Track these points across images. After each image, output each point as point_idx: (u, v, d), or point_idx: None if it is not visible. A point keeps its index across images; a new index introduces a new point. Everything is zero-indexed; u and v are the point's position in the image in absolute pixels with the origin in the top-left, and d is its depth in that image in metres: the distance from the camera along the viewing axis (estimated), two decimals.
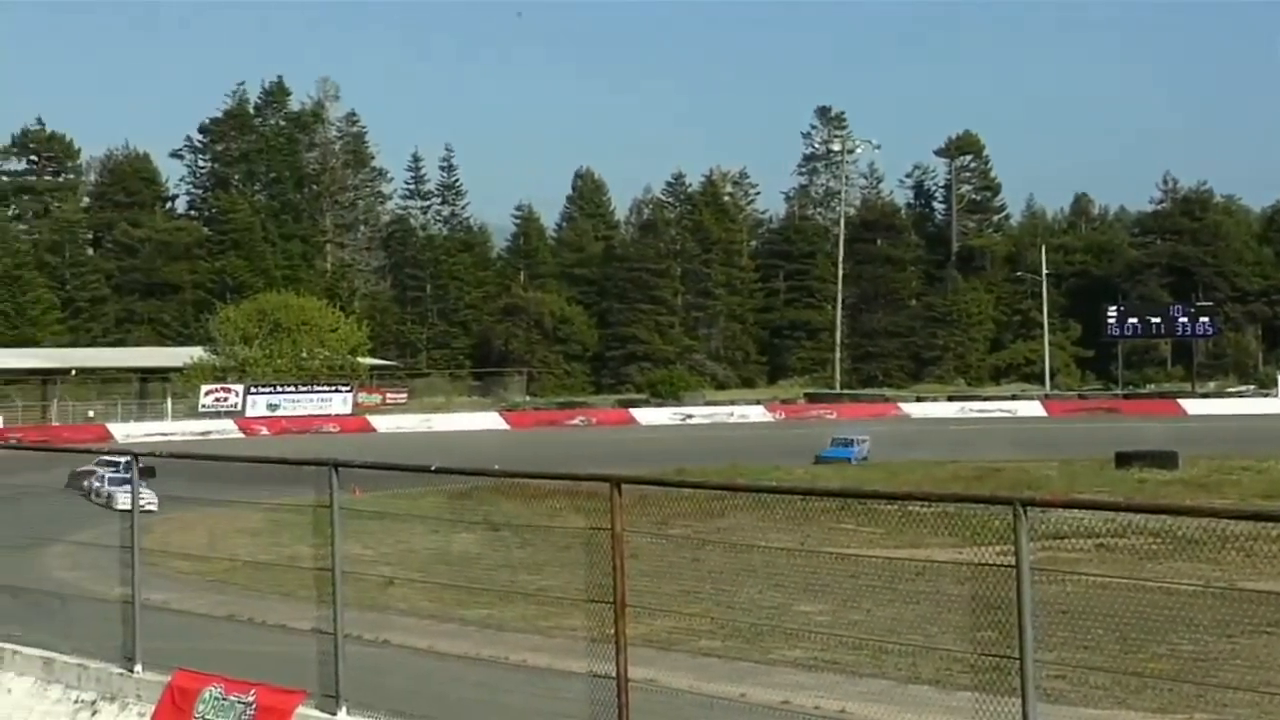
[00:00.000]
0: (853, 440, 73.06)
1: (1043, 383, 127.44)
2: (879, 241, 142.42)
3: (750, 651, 16.68)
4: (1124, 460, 62.54)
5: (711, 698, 14.43)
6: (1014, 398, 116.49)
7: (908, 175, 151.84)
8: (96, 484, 43.47)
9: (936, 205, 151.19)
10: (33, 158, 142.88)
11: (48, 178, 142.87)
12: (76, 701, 18.26)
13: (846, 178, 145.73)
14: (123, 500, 28.63)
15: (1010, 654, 10.71)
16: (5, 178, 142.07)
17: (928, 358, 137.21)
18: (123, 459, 32.27)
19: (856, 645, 15.07)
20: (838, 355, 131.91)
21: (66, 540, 24.65)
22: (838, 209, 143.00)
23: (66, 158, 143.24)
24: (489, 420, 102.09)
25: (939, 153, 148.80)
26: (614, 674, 13.50)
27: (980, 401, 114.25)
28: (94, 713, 17.94)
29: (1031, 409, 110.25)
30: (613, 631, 13.53)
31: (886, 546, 17.02)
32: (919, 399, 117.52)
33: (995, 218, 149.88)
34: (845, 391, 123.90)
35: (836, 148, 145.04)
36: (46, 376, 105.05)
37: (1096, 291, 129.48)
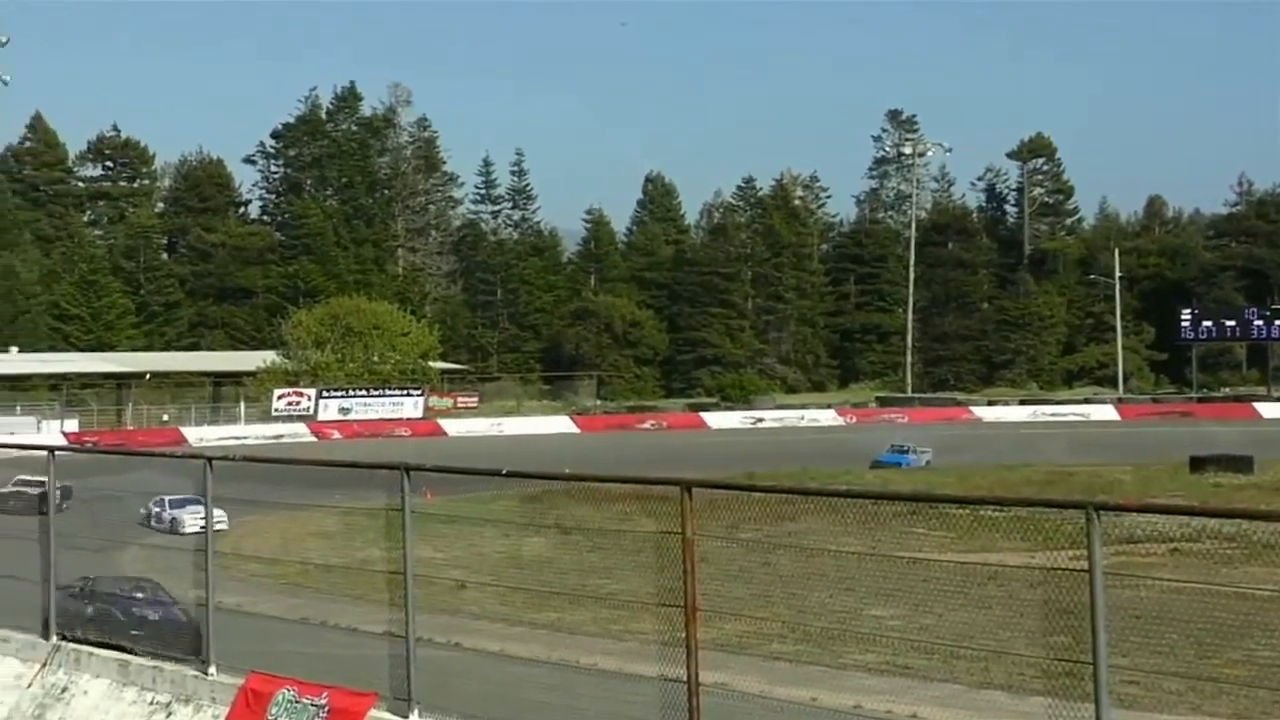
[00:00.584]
0: (909, 448, 72.53)
1: (1116, 386, 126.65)
2: (950, 245, 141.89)
3: (821, 656, 16.64)
4: (1198, 464, 62.05)
5: (782, 702, 14.42)
6: (1087, 401, 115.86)
7: (979, 178, 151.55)
8: (156, 509, 42.41)
9: (1008, 208, 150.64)
10: (108, 164, 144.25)
11: (123, 183, 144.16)
12: (152, 703, 18.39)
13: (918, 181, 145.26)
14: (190, 523, 28.71)
15: (1083, 659, 10.64)
16: (81, 184, 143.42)
17: (1000, 361, 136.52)
18: (41, 479, 32.68)
19: (928, 650, 15.02)
20: (909, 359, 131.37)
21: (141, 543, 24.86)
22: (909, 212, 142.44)
23: (141, 164, 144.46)
24: (559, 424, 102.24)
25: (1011, 155, 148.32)
26: (685, 678, 13.49)
27: (1053, 405, 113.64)
28: (169, 714, 18.07)
29: (1104, 413, 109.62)
30: (683, 635, 13.52)
31: (958, 551, 16.94)
32: (991, 402, 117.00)
33: (1068, 220, 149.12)
34: (916, 395, 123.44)
35: (908, 151, 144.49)
36: (121, 380, 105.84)
37: (1170, 294, 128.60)
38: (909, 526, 21.75)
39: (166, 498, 41.34)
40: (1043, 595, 12.53)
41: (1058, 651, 11.73)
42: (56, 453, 22.03)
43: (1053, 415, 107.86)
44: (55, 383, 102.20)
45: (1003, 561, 15.04)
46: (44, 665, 20.22)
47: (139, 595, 23.03)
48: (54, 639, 20.32)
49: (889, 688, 16.67)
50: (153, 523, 40.90)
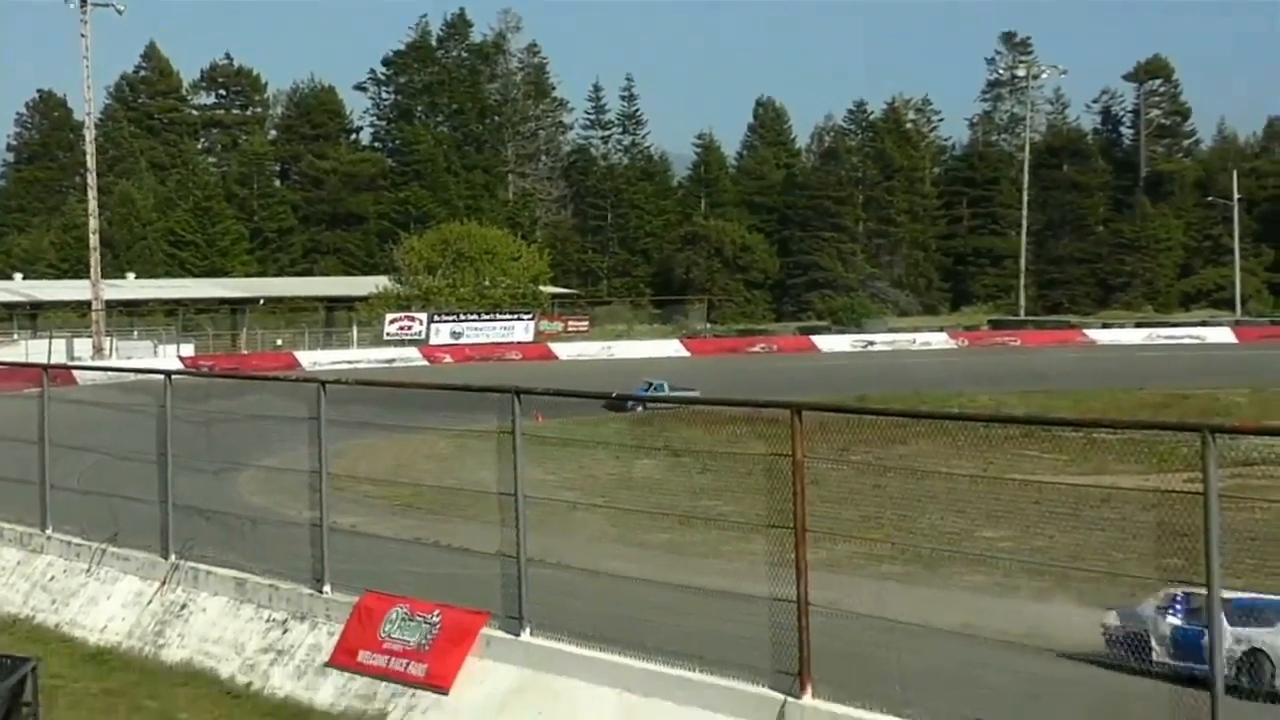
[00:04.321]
0: (663, 386, 62.09)
1: (1233, 309, 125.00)
2: (1065, 167, 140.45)
3: (931, 577, 16.64)
4: None
5: (892, 622, 14.41)
6: (1203, 324, 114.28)
7: (1094, 101, 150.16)
8: None
9: (1124, 130, 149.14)
10: (221, 92, 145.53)
11: (236, 111, 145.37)
12: (268, 620, 18.68)
13: (1032, 104, 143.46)
14: None
15: (1197, 581, 10.58)
16: (195, 112, 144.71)
17: (1115, 284, 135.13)
18: None
19: (1039, 572, 14.95)
20: (1022, 282, 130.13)
21: (257, 465, 25.13)
22: (1022, 135, 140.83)
23: (254, 91, 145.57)
24: (670, 347, 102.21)
25: (1127, 77, 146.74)
26: (794, 598, 13.53)
27: (1169, 328, 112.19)
28: (285, 631, 18.35)
29: (1221, 335, 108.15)
30: (793, 556, 13.56)
31: (1071, 473, 16.85)
32: (1105, 325, 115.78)
33: (1185, 142, 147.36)
34: (1030, 319, 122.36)
35: (1021, 73, 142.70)
36: (236, 306, 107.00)
37: None
38: (1021, 449, 21.63)
39: None
40: (1156, 518, 12.42)
41: (1171, 574, 11.68)
42: (173, 377, 22.35)
43: (1168, 338, 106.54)
44: (171, 308, 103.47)
45: (1116, 484, 14.97)
46: (163, 583, 20.56)
47: None
48: (173, 557, 20.67)
49: (1000, 609, 16.64)
50: None
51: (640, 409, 40.80)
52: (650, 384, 62.29)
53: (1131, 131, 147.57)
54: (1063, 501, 15.79)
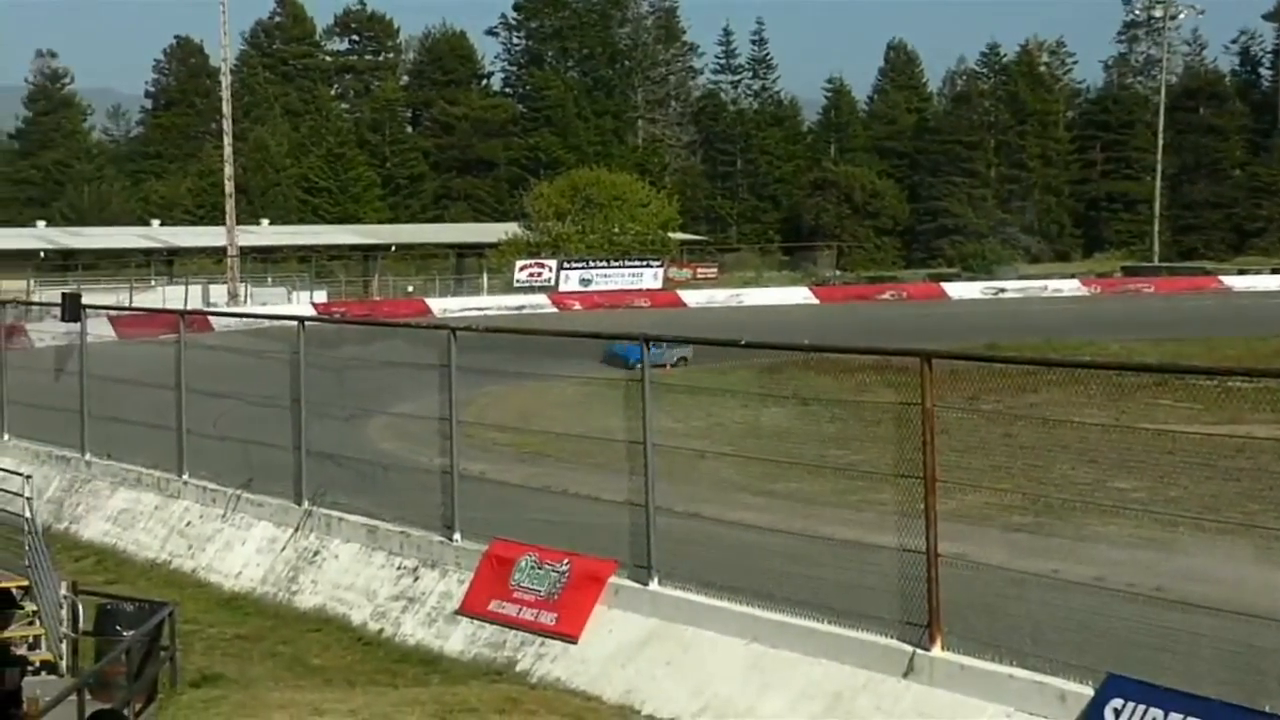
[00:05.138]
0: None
1: None
2: (1201, 110, 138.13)
3: (1063, 528, 16.48)
4: None
5: (1023, 573, 14.33)
6: None
7: (1233, 41, 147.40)
8: None
9: (1263, 72, 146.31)
10: (354, 38, 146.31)
11: (368, 57, 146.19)
12: (399, 568, 18.91)
13: (1168, 45, 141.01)
14: None
15: None
16: (328, 58, 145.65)
17: (1251, 229, 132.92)
18: None
19: (1172, 523, 14.78)
20: (1156, 227, 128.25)
21: (388, 412, 25.37)
22: (1158, 77, 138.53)
23: (386, 37, 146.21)
24: (799, 295, 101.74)
25: (1267, 17, 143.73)
26: (924, 548, 13.51)
27: None
28: (416, 578, 18.56)
29: None
30: (922, 506, 13.53)
31: (1205, 423, 16.62)
32: (1241, 271, 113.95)
33: None
34: (1164, 265, 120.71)
35: (1158, 14, 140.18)
36: (368, 252, 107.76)
37: None
38: (1154, 398, 21.37)
39: None
40: None
41: None
42: (306, 323, 22.59)
43: None
44: (304, 254, 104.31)
45: (1251, 433, 14.74)
46: (297, 529, 20.86)
47: None
48: (306, 504, 20.94)
49: (1132, 560, 16.46)
50: None
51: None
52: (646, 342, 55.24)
53: (1270, 73, 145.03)
54: (1196, 451, 15.56)
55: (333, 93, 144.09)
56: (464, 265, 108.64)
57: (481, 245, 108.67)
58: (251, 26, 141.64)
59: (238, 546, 21.53)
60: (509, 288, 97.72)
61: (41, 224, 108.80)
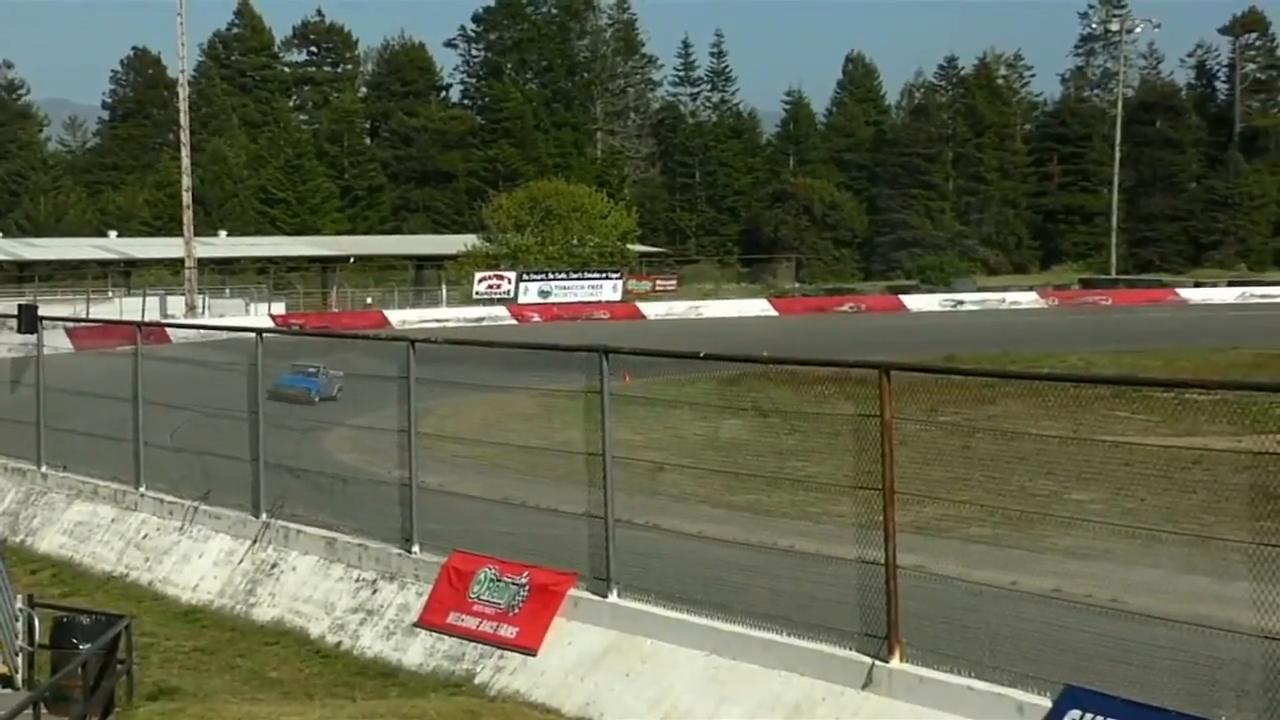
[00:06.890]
0: (318, 370, 47.79)
1: None
2: (1158, 123, 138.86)
3: (1020, 539, 16.53)
4: None
5: (981, 585, 14.36)
6: None
7: (1189, 55, 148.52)
8: None
9: (1219, 85, 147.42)
10: (313, 49, 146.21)
11: (327, 69, 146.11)
12: (358, 580, 18.84)
13: (1125, 58, 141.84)
14: None
15: None
16: (286, 69, 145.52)
17: (1207, 242, 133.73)
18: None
19: (1130, 534, 14.84)
20: (1113, 240, 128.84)
21: (346, 424, 25.31)
22: (1115, 90, 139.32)
23: (345, 48, 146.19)
24: (757, 306, 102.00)
25: (1222, 31, 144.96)
26: (883, 560, 13.52)
27: (1262, 286, 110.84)
28: (374, 591, 18.50)
29: None
30: (881, 518, 13.53)
31: (1162, 435, 16.72)
32: (1198, 284, 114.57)
33: None
34: (1121, 277, 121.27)
35: (1115, 28, 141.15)
36: (326, 264, 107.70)
37: None
38: (1112, 410, 21.44)
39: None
40: (1249, 480, 12.32)
41: (1264, 536, 11.57)
42: (264, 335, 22.51)
43: (1262, 297, 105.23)
44: (263, 266, 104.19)
45: (1208, 446, 14.80)
46: (254, 542, 20.77)
47: None
48: (264, 516, 20.85)
49: (1090, 571, 16.53)
50: None
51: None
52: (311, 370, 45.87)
53: (1226, 86, 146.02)
54: (1153, 463, 15.62)
55: (291, 104, 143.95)
56: (423, 277, 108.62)
57: (440, 257, 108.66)
58: (210, 37, 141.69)
59: (195, 559, 21.41)
60: (468, 299, 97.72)
61: None
